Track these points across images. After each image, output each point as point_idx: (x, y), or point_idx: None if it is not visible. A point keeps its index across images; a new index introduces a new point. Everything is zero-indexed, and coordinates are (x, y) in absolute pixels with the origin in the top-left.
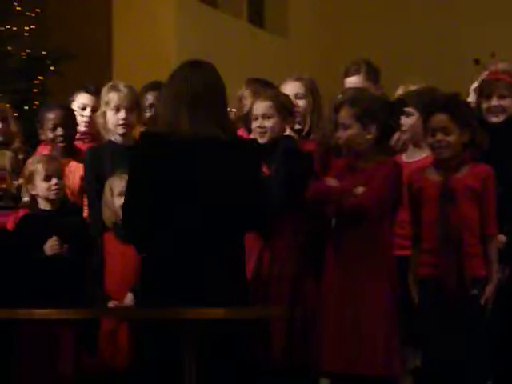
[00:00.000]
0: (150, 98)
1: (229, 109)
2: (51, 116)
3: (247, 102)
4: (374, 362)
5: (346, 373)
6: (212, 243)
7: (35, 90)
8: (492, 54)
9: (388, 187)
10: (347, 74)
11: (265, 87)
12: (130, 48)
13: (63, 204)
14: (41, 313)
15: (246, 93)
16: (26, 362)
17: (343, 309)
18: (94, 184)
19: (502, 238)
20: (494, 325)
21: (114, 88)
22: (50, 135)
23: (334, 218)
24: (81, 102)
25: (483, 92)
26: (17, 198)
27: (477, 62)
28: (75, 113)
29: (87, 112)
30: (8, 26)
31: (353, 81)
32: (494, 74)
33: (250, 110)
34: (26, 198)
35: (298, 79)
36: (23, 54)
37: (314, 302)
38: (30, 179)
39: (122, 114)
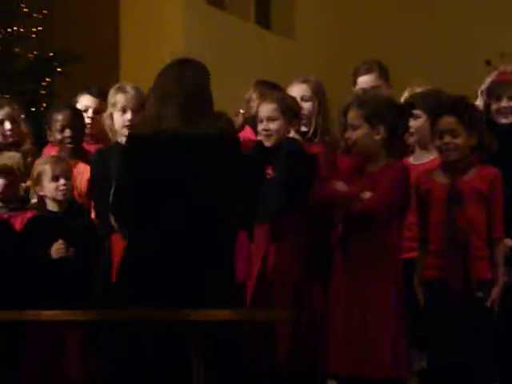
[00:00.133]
0: None
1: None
2: (59, 117)
3: (254, 103)
4: (382, 365)
5: (353, 375)
6: (197, 241)
7: (42, 92)
8: (501, 54)
9: (395, 191)
10: (358, 74)
11: (272, 89)
12: (137, 49)
13: (71, 205)
14: (48, 314)
15: (254, 95)
16: (32, 363)
17: (351, 311)
18: (101, 185)
19: (509, 241)
20: (501, 327)
21: (121, 89)
22: (58, 136)
23: (342, 222)
24: (83, 103)
25: (493, 93)
26: (25, 199)
27: (488, 63)
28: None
29: (89, 114)
30: (15, 28)
31: (365, 80)
32: (504, 75)
33: (257, 112)
34: (34, 200)
35: (304, 81)
36: (30, 55)
37: (319, 303)
38: (37, 180)
39: (129, 115)
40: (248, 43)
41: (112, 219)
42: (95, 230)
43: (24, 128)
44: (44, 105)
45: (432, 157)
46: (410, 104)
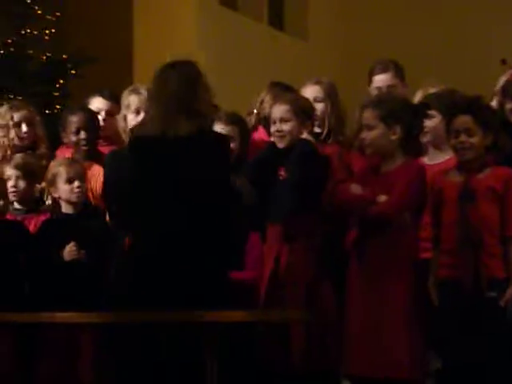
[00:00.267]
0: None
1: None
2: (74, 119)
3: (267, 105)
4: (398, 365)
5: (369, 376)
6: (178, 241)
7: (56, 94)
8: None
9: (411, 194)
10: (374, 73)
11: (285, 91)
12: (151, 51)
13: (85, 207)
14: (63, 316)
15: (267, 96)
16: (48, 365)
17: (367, 312)
18: (114, 187)
19: None
20: None
21: (135, 91)
22: (73, 138)
23: (357, 225)
24: (95, 106)
25: (507, 92)
26: (39, 201)
27: (503, 62)
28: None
29: (101, 116)
30: (28, 30)
31: (381, 78)
32: None
33: (270, 113)
34: (48, 202)
35: (316, 83)
36: (44, 57)
37: (331, 304)
38: (52, 182)
39: (142, 116)
40: (261, 44)
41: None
42: (109, 231)
43: (40, 131)
44: (58, 107)
45: (447, 157)
46: (425, 104)
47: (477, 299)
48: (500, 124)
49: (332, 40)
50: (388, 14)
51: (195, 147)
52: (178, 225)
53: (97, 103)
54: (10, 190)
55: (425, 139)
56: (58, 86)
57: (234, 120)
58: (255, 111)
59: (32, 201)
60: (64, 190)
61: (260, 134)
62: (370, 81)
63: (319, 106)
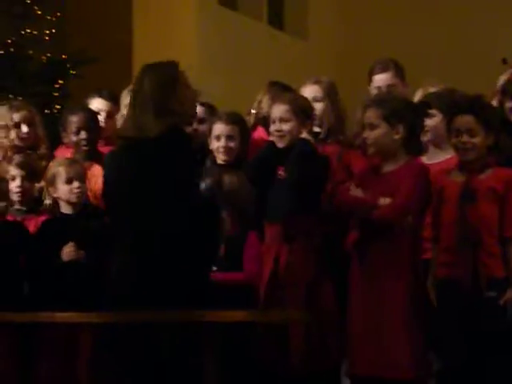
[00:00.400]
0: None
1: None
2: (75, 119)
3: (266, 104)
4: (399, 366)
5: (370, 376)
6: (151, 242)
7: (56, 94)
8: None
9: (417, 196)
10: (374, 72)
11: (283, 90)
12: (151, 51)
13: (85, 207)
14: (62, 316)
15: (265, 96)
16: (47, 365)
17: (368, 313)
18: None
19: None
20: None
21: None
22: (74, 139)
23: (358, 227)
24: (95, 106)
25: (507, 92)
26: (38, 200)
27: (504, 61)
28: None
29: (101, 117)
30: (28, 30)
31: (381, 78)
32: None
33: (269, 112)
34: (47, 201)
35: (315, 82)
36: (43, 57)
37: (331, 305)
38: (51, 182)
39: None
40: (261, 44)
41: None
42: (109, 231)
43: (40, 132)
44: (57, 107)
45: (447, 156)
46: (426, 103)
47: (475, 298)
48: (501, 123)
49: (332, 39)
50: (388, 13)
51: (160, 147)
52: (150, 226)
53: (96, 104)
54: (16, 190)
55: (425, 138)
56: (57, 86)
57: (235, 119)
58: (253, 111)
59: (31, 201)
60: (63, 191)
61: (259, 133)
62: (370, 80)
63: (318, 106)
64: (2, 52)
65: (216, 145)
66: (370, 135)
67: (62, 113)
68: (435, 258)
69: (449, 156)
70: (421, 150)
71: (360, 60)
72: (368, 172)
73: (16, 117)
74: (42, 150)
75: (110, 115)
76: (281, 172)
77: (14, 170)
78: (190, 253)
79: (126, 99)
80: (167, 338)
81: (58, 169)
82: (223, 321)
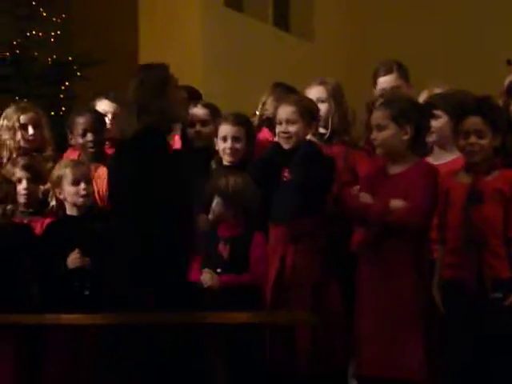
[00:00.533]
0: None
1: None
2: (81, 121)
3: (270, 106)
4: (406, 367)
5: (378, 377)
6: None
7: (61, 96)
8: None
9: (432, 198)
10: (378, 75)
11: (287, 92)
12: (156, 53)
13: (90, 209)
14: (68, 318)
15: (270, 97)
16: (52, 366)
17: (377, 314)
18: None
19: None
20: None
21: None
22: (80, 140)
23: (367, 230)
24: (101, 108)
25: None
26: (43, 202)
27: (509, 62)
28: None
29: (107, 118)
30: (34, 32)
31: (386, 80)
32: None
33: (274, 114)
34: (53, 203)
35: (320, 83)
36: (49, 59)
37: (338, 305)
38: (57, 183)
39: None
40: (266, 45)
41: None
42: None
43: (47, 134)
44: (63, 109)
45: (453, 156)
46: (431, 104)
47: (481, 300)
48: (507, 124)
49: (338, 41)
50: (394, 14)
51: (133, 147)
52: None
53: (103, 106)
54: (22, 192)
55: (430, 139)
56: (63, 87)
57: (241, 121)
58: (257, 112)
59: (37, 203)
60: (69, 192)
61: (264, 134)
62: (375, 83)
63: (322, 107)
64: (7, 54)
65: (222, 146)
66: (378, 136)
67: (69, 115)
68: (441, 260)
69: (454, 157)
70: (426, 151)
71: (366, 61)
72: (375, 175)
73: (23, 118)
74: (48, 151)
75: (117, 117)
76: (285, 174)
77: (19, 173)
78: (172, 253)
79: None
80: (170, 339)
81: (65, 170)
82: (229, 322)
